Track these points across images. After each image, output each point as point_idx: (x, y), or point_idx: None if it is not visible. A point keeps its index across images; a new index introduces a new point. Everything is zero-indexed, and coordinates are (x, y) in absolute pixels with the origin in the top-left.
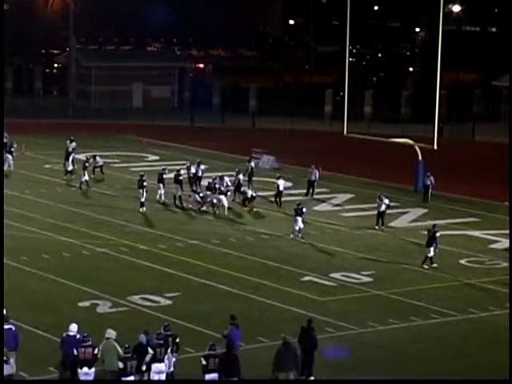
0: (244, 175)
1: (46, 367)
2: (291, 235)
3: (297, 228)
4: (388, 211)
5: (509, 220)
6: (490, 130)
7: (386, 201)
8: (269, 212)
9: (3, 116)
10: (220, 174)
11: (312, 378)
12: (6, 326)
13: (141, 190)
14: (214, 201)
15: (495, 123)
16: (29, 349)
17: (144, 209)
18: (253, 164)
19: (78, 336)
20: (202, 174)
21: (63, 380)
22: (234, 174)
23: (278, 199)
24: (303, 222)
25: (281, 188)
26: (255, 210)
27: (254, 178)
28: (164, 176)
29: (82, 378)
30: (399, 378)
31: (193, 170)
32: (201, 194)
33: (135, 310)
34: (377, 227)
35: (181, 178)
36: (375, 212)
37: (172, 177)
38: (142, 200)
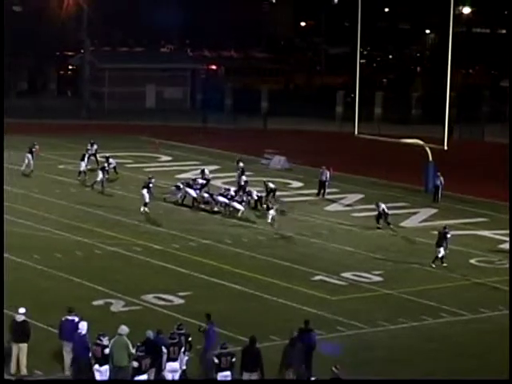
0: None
1: (59, 365)
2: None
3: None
4: (398, 211)
5: (509, 220)
6: (499, 130)
7: (383, 205)
8: (280, 212)
9: (3, 116)
10: (226, 186)
11: (313, 378)
12: (69, 317)
13: (145, 191)
14: (235, 204)
15: (504, 124)
16: (42, 347)
17: (146, 209)
18: (241, 164)
19: (75, 319)
20: (205, 179)
21: (62, 380)
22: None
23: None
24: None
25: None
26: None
27: (244, 178)
28: (150, 185)
29: (95, 374)
30: (409, 378)
31: (206, 175)
32: (214, 196)
33: (148, 309)
34: (380, 225)
35: (191, 180)
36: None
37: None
38: (147, 200)
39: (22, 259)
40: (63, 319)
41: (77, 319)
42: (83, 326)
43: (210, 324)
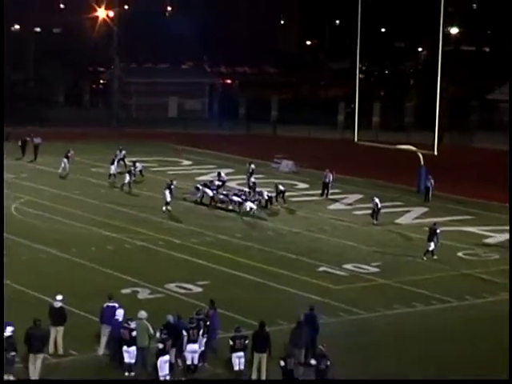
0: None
1: (92, 346)
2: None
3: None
4: (394, 210)
5: (509, 219)
6: (485, 137)
7: (377, 200)
8: (288, 210)
9: (3, 116)
10: (240, 187)
11: (313, 361)
12: (109, 304)
13: (167, 192)
14: (248, 205)
15: (490, 132)
16: (77, 331)
17: (169, 207)
18: (253, 166)
19: (115, 305)
20: (221, 181)
21: (67, 380)
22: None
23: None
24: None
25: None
26: (280, 207)
27: (252, 180)
28: (172, 187)
29: (124, 354)
30: (402, 363)
31: (222, 177)
32: (229, 196)
33: (171, 297)
34: (375, 222)
35: (208, 181)
36: (383, 210)
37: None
38: (168, 200)
39: (61, 253)
40: (104, 306)
41: (117, 305)
42: (120, 313)
43: (213, 309)
